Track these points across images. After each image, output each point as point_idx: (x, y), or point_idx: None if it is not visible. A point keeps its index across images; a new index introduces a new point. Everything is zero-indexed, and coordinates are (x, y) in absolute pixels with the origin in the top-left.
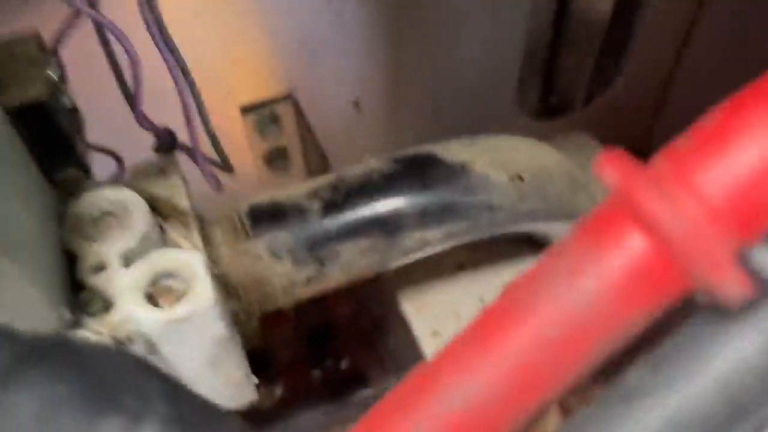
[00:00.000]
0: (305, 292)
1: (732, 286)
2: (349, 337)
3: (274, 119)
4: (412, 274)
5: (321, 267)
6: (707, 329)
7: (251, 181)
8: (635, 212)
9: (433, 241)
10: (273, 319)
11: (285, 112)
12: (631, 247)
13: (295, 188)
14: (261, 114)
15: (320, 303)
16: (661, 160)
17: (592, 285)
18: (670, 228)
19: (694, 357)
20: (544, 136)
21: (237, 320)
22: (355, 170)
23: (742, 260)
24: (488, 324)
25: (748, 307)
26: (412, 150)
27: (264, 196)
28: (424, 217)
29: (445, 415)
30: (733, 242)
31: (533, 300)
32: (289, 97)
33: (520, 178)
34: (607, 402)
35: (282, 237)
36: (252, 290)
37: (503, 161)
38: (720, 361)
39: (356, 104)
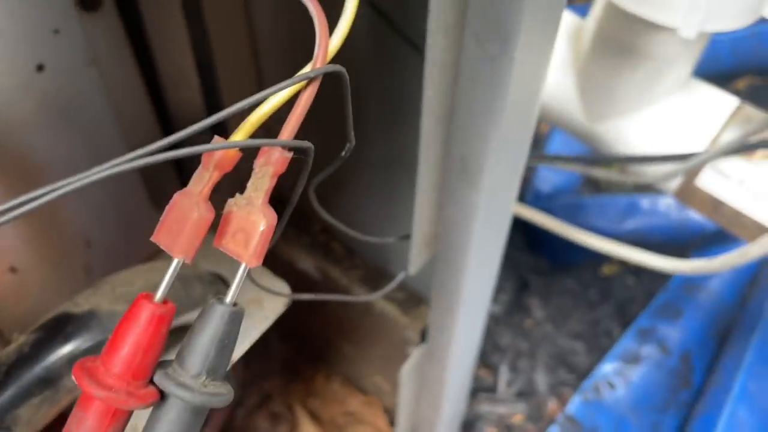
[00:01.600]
0: None
1: (147, 400)
2: None
3: None
4: None
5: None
6: None
7: None
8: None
9: None
10: None
11: None
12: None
13: None
14: None
15: None
16: (96, 364)
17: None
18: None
19: None
20: None
21: None
22: (8, 350)
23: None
24: None
25: (160, 404)
26: (51, 314)
27: None
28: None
29: None
30: (134, 383)
31: None
32: None
33: None
34: None
35: None
36: None
37: (122, 294)
38: None
39: (13, 269)
